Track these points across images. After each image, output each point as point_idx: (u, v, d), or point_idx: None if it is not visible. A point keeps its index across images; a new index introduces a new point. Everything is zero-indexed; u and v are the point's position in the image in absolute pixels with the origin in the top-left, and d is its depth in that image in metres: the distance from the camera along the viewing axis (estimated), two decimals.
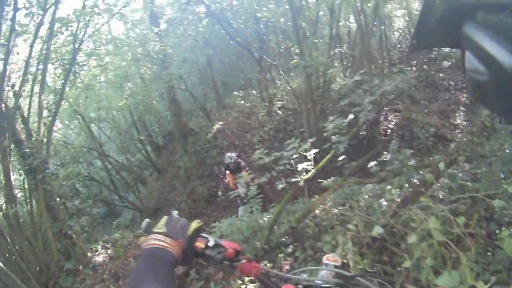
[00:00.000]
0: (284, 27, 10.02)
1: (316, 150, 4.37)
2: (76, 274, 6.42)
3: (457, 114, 8.78)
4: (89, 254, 6.81)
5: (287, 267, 3.91)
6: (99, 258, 6.80)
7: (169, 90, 11.27)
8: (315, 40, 8.78)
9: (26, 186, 6.98)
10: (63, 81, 7.28)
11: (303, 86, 8.55)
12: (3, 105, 5.94)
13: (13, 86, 6.28)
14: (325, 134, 4.56)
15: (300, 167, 4.30)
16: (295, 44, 8.96)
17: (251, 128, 10.81)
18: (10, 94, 6.42)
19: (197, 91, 13.27)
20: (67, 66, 7.26)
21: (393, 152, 4.01)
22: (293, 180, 4.39)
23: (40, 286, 6.09)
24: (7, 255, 5.92)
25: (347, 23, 10.39)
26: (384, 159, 4.15)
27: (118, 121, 13.93)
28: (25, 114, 6.63)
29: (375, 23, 9.18)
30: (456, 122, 8.54)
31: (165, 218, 1.00)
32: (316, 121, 8.50)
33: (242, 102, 12.17)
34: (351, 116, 4.44)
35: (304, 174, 4.33)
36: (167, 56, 11.03)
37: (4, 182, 6.09)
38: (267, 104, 10.52)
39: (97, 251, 6.98)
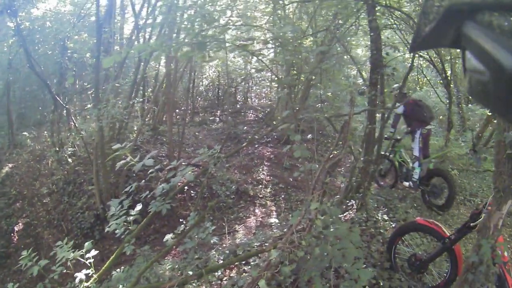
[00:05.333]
0: (91, 62, 8.94)
1: (96, 252, 3.44)
2: None
3: (260, 169, 8.89)
4: None
5: None
6: None
7: None
8: (117, 85, 7.93)
9: None
10: None
11: (95, 136, 7.41)
12: None
13: None
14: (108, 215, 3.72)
15: (78, 276, 3.29)
16: (92, 87, 7.88)
17: (41, 176, 9.22)
18: None
19: None
20: None
21: (191, 227, 3.76)
22: None
23: None
24: None
25: (157, 65, 10.06)
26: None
27: None
28: None
29: (184, 69, 9.06)
30: (259, 177, 8.61)
31: None
32: (106, 179, 7.28)
33: (32, 144, 10.30)
34: (138, 207, 3.67)
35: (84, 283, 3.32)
36: None
37: None
38: (57, 149, 8.93)
39: None
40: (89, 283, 3.30)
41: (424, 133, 5.49)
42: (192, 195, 7.82)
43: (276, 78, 9.05)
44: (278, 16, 8.45)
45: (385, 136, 5.71)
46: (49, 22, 10.25)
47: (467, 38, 0.55)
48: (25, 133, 10.57)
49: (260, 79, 11.05)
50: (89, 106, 7.72)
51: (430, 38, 0.66)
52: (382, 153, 5.74)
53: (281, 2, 7.02)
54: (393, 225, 4.55)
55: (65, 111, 9.00)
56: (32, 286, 3.34)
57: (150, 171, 4.14)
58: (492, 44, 0.50)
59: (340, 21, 6.43)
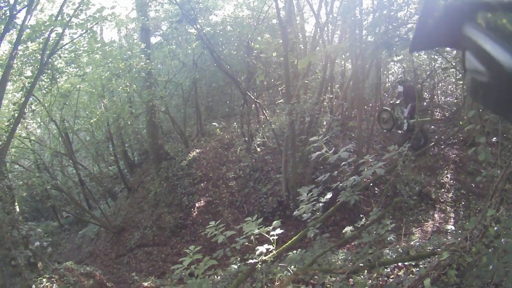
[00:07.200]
0: (276, 60, 9.74)
1: (281, 231, 3.76)
2: None
3: (445, 172, 8.51)
4: (33, 287, 5.98)
5: None
6: None
7: (149, 110, 10.70)
8: (306, 81, 8.50)
9: None
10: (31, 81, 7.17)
11: (286, 129, 8.04)
12: None
13: None
14: (299, 198, 4.12)
15: (259, 249, 3.64)
16: (283, 83, 8.58)
17: (228, 162, 10.35)
18: None
19: (177, 114, 12.95)
20: (37, 67, 7.21)
21: (372, 221, 3.85)
22: (251, 260, 3.74)
23: None
24: None
25: (342, 62, 10.32)
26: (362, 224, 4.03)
27: (96, 130, 13.51)
28: None
29: (371, 66, 9.10)
30: (443, 181, 8.27)
31: None
32: (294, 169, 7.87)
33: (221, 133, 11.65)
34: (328, 195, 3.95)
35: (263, 256, 3.68)
36: (151, 75, 10.43)
37: None
38: (246, 139, 9.97)
39: (41, 284, 6.17)
40: (267, 257, 3.60)
41: (412, 105, 8.23)
42: (375, 192, 7.91)
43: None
44: None
45: (390, 102, 9.07)
46: (230, 26, 11.60)
47: (467, 38, 0.55)
48: (215, 123, 12.09)
49: (445, 75, 10.46)
50: (281, 100, 8.42)
51: (430, 38, 0.67)
52: (385, 108, 8.92)
53: None
54: None
55: (253, 105, 10.02)
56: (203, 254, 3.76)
57: (342, 163, 4.32)
58: (492, 45, 0.50)
59: None
